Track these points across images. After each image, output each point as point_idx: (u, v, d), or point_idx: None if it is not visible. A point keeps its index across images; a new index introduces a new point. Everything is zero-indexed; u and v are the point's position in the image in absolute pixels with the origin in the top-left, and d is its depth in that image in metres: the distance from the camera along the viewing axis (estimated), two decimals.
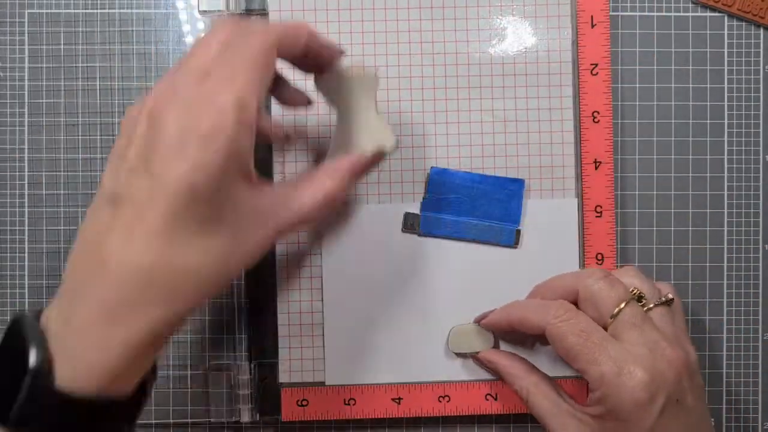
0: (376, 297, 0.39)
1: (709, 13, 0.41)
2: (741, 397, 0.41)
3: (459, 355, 0.39)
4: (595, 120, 0.39)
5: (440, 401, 0.39)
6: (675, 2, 0.41)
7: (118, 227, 0.27)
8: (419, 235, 0.40)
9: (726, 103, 0.41)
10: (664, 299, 0.35)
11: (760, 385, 0.41)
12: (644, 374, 0.32)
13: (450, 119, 0.40)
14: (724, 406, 0.41)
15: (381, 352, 0.39)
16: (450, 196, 0.39)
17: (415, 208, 0.40)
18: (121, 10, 0.40)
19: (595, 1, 0.39)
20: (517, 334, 0.38)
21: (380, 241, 0.39)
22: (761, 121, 0.41)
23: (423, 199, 0.40)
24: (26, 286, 0.40)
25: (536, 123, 0.40)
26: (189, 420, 0.40)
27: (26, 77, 0.40)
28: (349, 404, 0.39)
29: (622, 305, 0.34)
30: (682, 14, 0.41)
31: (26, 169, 0.40)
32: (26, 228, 0.40)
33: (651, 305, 0.35)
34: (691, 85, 0.41)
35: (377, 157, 0.34)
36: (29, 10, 0.40)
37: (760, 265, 0.41)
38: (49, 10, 0.40)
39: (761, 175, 0.41)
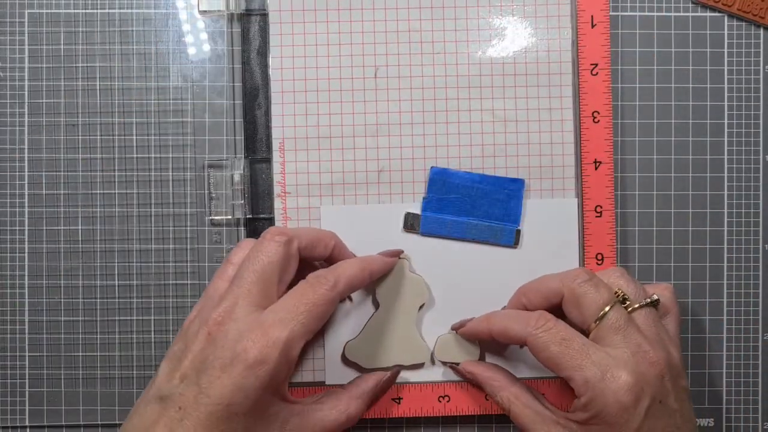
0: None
1: (709, 13, 0.41)
2: (741, 397, 0.41)
3: (445, 363, 0.39)
4: (595, 120, 0.39)
5: (440, 401, 0.39)
6: (675, 2, 0.41)
7: (162, 425, 0.31)
8: (419, 234, 0.40)
9: (726, 103, 0.41)
10: (648, 300, 0.35)
11: (760, 385, 0.41)
12: (628, 377, 0.32)
13: (450, 119, 0.40)
14: (724, 406, 0.41)
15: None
16: (450, 196, 0.39)
17: (415, 208, 0.40)
18: (121, 10, 0.40)
19: (595, 1, 0.39)
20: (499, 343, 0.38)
21: (380, 241, 0.39)
22: (761, 121, 0.41)
23: (423, 199, 0.40)
24: (26, 286, 0.40)
25: (536, 123, 0.40)
26: None
27: (26, 77, 0.40)
28: None
29: (607, 309, 0.34)
30: (682, 14, 0.41)
31: (26, 169, 0.40)
32: (26, 228, 0.40)
33: (635, 306, 0.35)
34: (691, 85, 0.41)
35: (395, 376, 0.38)
36: (29, 10, 0.40)
37: (760, 265, 0.41)
38: (49, 10, 0.40)
39: (761, 175, 0.41)
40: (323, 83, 0.39)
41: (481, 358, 0.39)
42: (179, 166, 0.40)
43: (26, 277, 0.40)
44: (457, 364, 0.39)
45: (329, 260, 0.37)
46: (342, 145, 0.40)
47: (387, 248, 0.39)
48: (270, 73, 0.39)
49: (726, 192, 0.41)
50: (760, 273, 0.41)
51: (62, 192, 0.40)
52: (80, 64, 0.40)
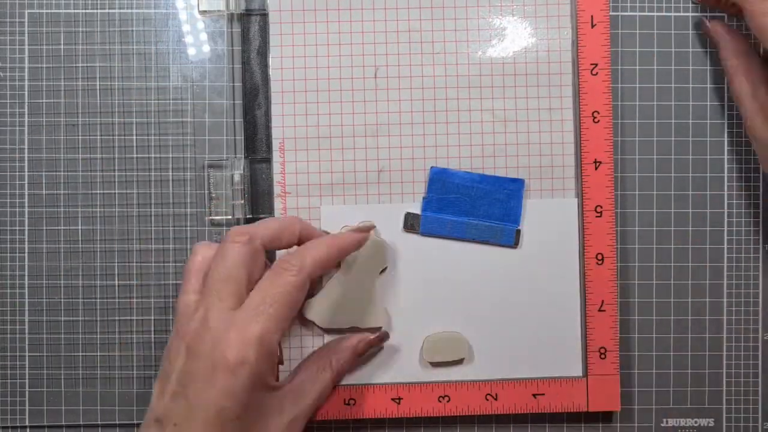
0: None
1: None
2: (741, 397, 0.41)
3: (434, 364, 0.39)
4: (595, 120, 0.39)
5: (440, 401, 0.39)
6: (675, 2, 0.41)
7: None
8: (419, 235, 0.40)
9: (726, 102, 0.41)
10: None
11: (760, 385, 0.41)
12: None
13: (450, 119, 0.40)
14: (724, 406, 0.41)
15: (381, 351, 0.39)
16: (450, 196, 0.39)
17: (415, 208, 0.40)
18: (121, 10, 0.40)
19: (595, 1, 0.39)
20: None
21: None
22: None
23: (423, 199, 0.40)
24: (26, 286, 0.40)
25: (536, 123, 0.40)
26: None
27: (26, 77, 0.40)
28: (349, 404, 0.39)
29: None
30: (682, 14, 0.41)
31: (26, 169, 0.40)
32: (26, 228, 0.40)
33: None
34: (691, 85, 0.41)
35: (376, 341, 0.38)
36: (29, 10, 0.40)
37: (760, 265, 0.41)
38: (49, 10, 0.40)
39: (761, 175, 0.41)
40: (323, 83, 0.39)
41: (471, 361, 0.39)
42: (179, 166, 0.40)
43: (26, 277, 0.40)
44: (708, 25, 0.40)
45: (300, 245, 0.36)
46: (342, 145, 0.40)
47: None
48: (270, 73, 0.39)
49: (726, 192, 0.41)
50: (760, 273, 0.41)
51: (62, 192, 0.40)
52: (80, 64, 0.40)
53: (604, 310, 0.39)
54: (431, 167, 0.40)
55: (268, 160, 0.40)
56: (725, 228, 0.41)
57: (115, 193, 0.40)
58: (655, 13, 0.41)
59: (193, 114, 0.40)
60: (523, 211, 0.40)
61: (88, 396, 0.40)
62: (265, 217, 0.39)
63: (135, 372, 0.40)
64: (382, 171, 0.40)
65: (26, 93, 0.40)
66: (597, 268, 0.39)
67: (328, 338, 0.39)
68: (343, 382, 0.39)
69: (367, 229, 0.39)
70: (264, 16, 0.39)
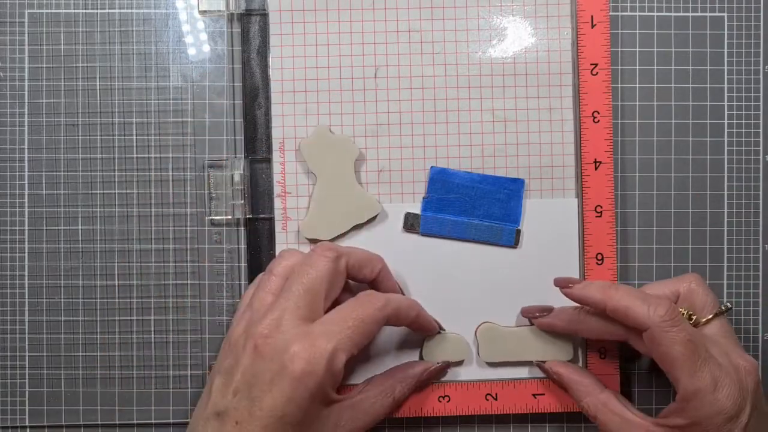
0: None
1: (708, 13, 0.41)
2: None
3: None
4: (595, 120, 0.39)
5: (440, 401, 0.39)
6: (675, 2, 0.41)
7: None
8: (419, 234, 0.40)
9: (726, 103, 0.41)
10: (723, 308, 0.36)
11: (760, 385, 0.41)
12: (733, 388, 0.32)
13: (450, 119, 0.40)
14: None
15: (381, 351, 0.39)
16: (450, 196, 0.39)
17: (415, 208, 0.40)
18: (121, 10, 0.40)
19: (595, 1, 0.39)
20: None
21: (380, 241, 0.39)
22: (761, 121, 0.41)
23: (423, 199, 0.40)
24: (26, 286, 0.40)
25: (536, 123, 0.40)
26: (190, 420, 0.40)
27: (26, 77, 0.40)
28: None
29: (712, 314, 0.35)
30: (682, 14, 0.41)
31: (26, 169, 0.40)
32: (26, 228, 0.40)
33: (715, 313, 0.35)
34: (691, 85, 0.41)
35: (443, 367, 0.39)
36: (29, 11, 0.40)
37: (760, 265, 0.41)
38: (49, 11, 0.40)
39: (761, 175, 0.41)
40: (323, 83, 0.39)
41: (471, 361, 0.39)
42: (179, 166, 0.40)
43: (26, 277, 0.40)
44: (543, 362, 0.39)
45: (373, 284, 0.37)
46: None
47: (387, 248, 0.39)
48: (270, 73, 0.39)
49: (726, 192, 0.41)
50: (760, 273, 0.41)
51: (62, 192, 0.40)
52: (80, 64, 0.40)
53: None
54: (431, 167, 0.40)
55: (268, 160, 0.40)
56: (725, 228, 0.41)
57: (115, 193, 0.40)
58: (655, 13, 0.41)
59: (193, 114, 0.40)
60: (523, 211, 0.40)
61: (88, 396, 0.40)
62: (265, 218, 0.39)
63: (135, 372, 0.40)
64: (382, 171, 0.40)
65: (26, 93, 0.40)
66: (597, 268, 0.39)
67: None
68: (344, 383, 0.39)
69: (437, 329, 0.39)
70: (264, 16, 0.39)
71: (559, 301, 0.37)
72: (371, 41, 0.40)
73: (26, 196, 0.40)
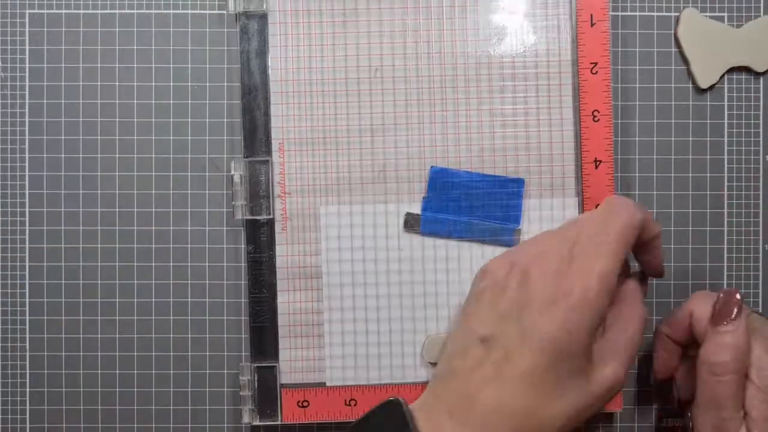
0: (376, 297, 0.39)
1: (708, 14, 0.41)
2: None
3: (434, 364, 0.39)
4: (595, 119, 0.39)
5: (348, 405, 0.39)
6: (675, 2, 0.41)
7: (488, 366, 0.31)
8: (419, 234, 0.40)
9: (726, 103, 0.41)
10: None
11: None
12: None
13: (450, 119, 0.40)
14: None
15: (382, 352, 0.39)
16: (450, 195, 0.39)
17: (415, 208, 0.40)
18: (122, 11, 0.40)
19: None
20: None
21: (381, 240, 0.39)
22: (761, 121, 0.41)
23: (423, 198, 0.40)
24: (27, 285, 0.40)
25: (536, 123, 0.40)
26: (189, 424, 0.40)
27: (27, 77, 0.40)
28: (349, 405, 0.39)
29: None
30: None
31: (27, 170, 0.40)
32: (27, 228, 0.40)
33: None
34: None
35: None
36: (30, 11, 0.40)
37: (760, 265, 0.41)
38: (50, 11, 0.40)
39: (761, 175, 0.41)
40: (323, 83, 0.40)
41: None
42: (179, 166, 0.40)
43: (27, 277, 0.40)
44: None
45: (637, 248, 0.35)
46: (342, 146, 0.40)
47: (387, 248, 0.39)
48: (270, 73, 0.39)
49: (726, 192, 0.41)
50: (760, 273, 0.41)
51: (63, 192, 0.40)
52: (81, 65, 0.40)
53: None
54: (431, 167, 0.40)
55: (268, 161, 0.40)
56: (725, 228, 0.41)
57: (115, 193, 0.40)
58: (655, 13, 0.41)
59: (193, 114, 0.40)
60: (523, 211, 0.40)
61: (89, 396, 0.40)
62: (264, 218, 0.39)
63: (136, 372, 0.40)
64: (382, 171, 0.40)
65: (27, 93, 0.40)
66: None
67: None
68: (343, 383, 0.39)
69: None
70: (264, 16, 0.40)
71: None
72: (371, 41, 0.40)
73: (27, 196, 0.40)
